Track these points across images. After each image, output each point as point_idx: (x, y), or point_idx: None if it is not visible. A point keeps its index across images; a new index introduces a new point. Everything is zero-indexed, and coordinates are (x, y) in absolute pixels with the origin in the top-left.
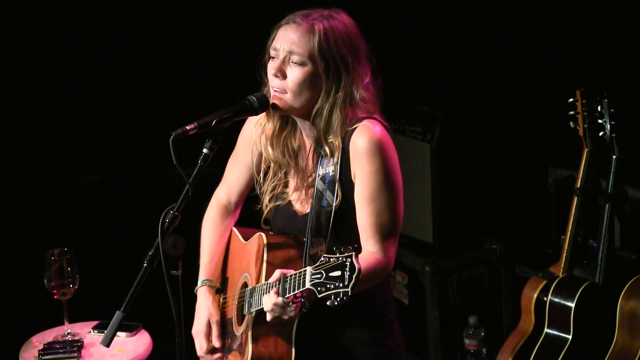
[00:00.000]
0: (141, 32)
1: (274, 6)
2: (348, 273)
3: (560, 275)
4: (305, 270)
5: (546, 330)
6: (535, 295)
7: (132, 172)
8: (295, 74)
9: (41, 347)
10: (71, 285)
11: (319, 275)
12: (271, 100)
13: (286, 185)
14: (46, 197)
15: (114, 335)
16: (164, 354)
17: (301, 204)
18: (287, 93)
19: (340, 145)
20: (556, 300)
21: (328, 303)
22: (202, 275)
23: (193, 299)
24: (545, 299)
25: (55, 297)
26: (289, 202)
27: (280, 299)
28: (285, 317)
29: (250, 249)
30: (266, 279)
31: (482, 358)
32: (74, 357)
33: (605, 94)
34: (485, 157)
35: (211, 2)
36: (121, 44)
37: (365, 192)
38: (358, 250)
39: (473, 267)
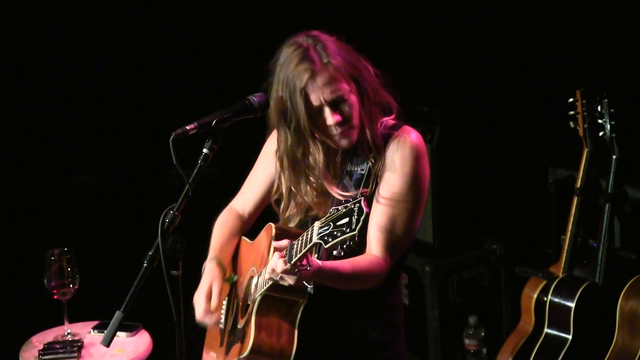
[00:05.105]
0: (141, 32)
1: (273, 7)
2: (356, 217)
3: (560, 275)
4: (313, 227)
5: (546, 330)
6: (535, 295)
7: (132, 172)
8: (348, 110)
9: (41, 347)
10: (71, 285)
11: (326, 227)
12: (340, 143)
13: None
14: (46, 197)
15: (114, 335)
16: (164, 354)
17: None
18: (354, 128)
19: (375, 147)
20: (556, 300)
21: (335, 253)
22: (211, 254)
23: (193, 299)
24: (545, 299)
25: (55, 297)
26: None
27: (281, 261)
28: (285, 283)
29: (260, 241)
30: None
31: (482, 358)
32: (74, 357)
33: (605, 94)
34: (485, 157)
35: (211, 2)
36: (121, 44)
37: (388, 193)
38: (365, 197)
39: (473, 267)
